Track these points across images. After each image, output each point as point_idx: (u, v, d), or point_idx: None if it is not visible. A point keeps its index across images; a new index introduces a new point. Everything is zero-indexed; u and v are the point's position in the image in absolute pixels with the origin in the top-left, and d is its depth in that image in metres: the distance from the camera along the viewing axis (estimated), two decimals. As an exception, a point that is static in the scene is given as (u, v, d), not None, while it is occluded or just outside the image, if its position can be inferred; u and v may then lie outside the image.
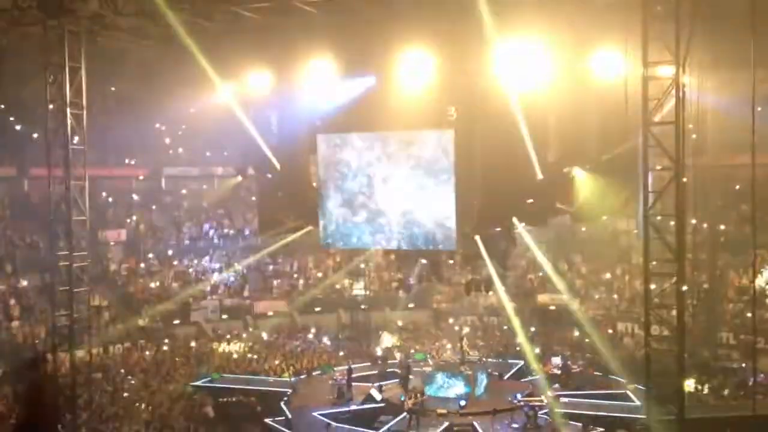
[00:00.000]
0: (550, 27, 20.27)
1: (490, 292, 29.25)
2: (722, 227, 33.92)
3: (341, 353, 32.36)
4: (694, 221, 30.54)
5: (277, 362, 30.43)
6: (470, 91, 22.30)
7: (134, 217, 41.19)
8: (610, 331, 33.25)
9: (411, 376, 26.93)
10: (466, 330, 31.89)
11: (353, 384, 26.58)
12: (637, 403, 23.37)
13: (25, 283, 33.67)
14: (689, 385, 23.57)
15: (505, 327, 33.12)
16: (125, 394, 25.82)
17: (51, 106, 21.34)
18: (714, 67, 24.51)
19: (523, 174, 22.26)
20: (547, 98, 21.24)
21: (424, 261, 27.30)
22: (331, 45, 23.07)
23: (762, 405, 23.60)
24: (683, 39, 16.68)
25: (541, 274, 37.96)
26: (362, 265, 39.20)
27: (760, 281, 30.70)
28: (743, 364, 27.20)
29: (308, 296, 38.19)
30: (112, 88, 34.51)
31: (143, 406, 24.83)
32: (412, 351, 31.73)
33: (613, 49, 20.42)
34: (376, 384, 26.49)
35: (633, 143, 18.77)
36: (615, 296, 35.73)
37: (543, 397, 24.05)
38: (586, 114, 21.51)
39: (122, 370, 28.65)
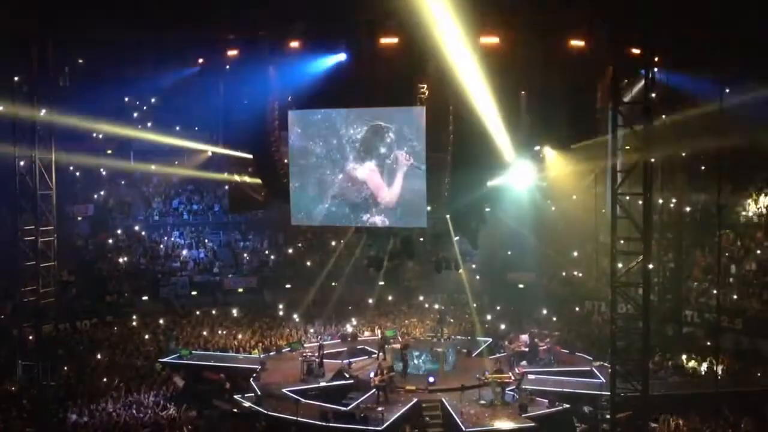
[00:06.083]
0: (522, 6, 20.30)
1: (460, 270, 29.46)
2: (688, 208, 34.31)
3: (311, 330, 32.36)
4: (661, 201, 30.89)
5: (246, 339, 30.40)
6: (442, 68, 22.24)
7: (102, 192, 40.71)
8: (578, 308, 33.65)
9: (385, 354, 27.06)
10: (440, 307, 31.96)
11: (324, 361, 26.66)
12: (603, 380, 23.70)
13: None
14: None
15: (474, 305, 33.32)
16: (92, 370, 25.67)
17: (16, 78, 20.92)
18: (684, 48, 24.64)
19: (494, 152, 22.36)
20: (518, 75, 21.28)
21: (394, 238, 27.35)
22: (302, 21, 22.89)
23: (724, 382, 24.10)
24: (654, 20, 16.77)
25: (510, 252, 38.27)
26: (333, 242, 39.20)
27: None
28: (707, 343, 27.66)
29: (278, 273, 38.21)
30: (80, 60, 33.92)
31: (111, 381, 24.72)
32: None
33: (583, 29, 20.48)
34: (346, 361, 26.59)
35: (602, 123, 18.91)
36: (582, 274, 36.07)
37: (510, 374, 24.28)
38: (556, 91, 21.60)
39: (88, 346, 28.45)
